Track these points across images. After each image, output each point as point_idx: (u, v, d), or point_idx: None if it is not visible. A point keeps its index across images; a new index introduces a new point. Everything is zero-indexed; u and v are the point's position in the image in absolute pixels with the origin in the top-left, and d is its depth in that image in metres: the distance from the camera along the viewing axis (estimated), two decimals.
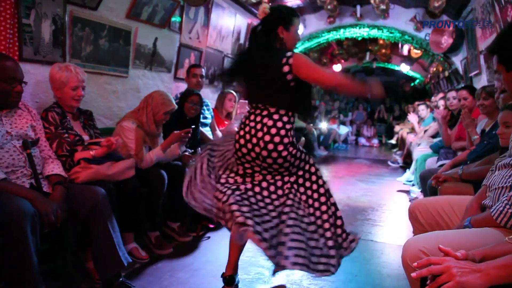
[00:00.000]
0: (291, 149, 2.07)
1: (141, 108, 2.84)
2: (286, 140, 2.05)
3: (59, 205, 1.92)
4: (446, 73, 6.46)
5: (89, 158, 2.28)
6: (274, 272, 1.94)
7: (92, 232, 2.09)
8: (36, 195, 1.85)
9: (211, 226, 3.28)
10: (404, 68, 9.12)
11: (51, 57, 2.58)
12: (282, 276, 2.48)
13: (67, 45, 2.71)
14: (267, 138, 2.02)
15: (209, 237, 3.13)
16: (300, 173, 2.15)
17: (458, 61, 5.42)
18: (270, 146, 2.01)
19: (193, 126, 2.88)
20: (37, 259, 1.71)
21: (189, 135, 2.82)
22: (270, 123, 2.05)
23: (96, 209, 2.06)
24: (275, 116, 2.06)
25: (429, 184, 2.76)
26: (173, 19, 3.74)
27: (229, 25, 4.91)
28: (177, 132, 2.78)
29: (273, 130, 2.04)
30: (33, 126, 2.13)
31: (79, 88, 2.40)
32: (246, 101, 4.00)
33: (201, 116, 3.72)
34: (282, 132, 2.05)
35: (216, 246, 2.96)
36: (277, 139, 2.03)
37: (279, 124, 2.06)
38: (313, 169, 2.18)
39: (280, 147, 2.03)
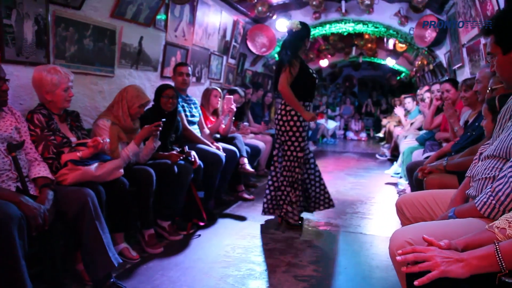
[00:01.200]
0: (280, 126, 3.21)
1: (116, 103, 2.82)
2: (284, 118, 3.19)
3: (47, 208, 1.91)
4: (431, 66, 6.54)
5: (76, 159, 2.26)
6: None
7: (81, 233, 2.07)
8: (23, 198, 1.83)
9: (202, 224, 3.29)
10: (390, 62, 9.20)
11: (34, 58, 2.54)
12: (273, 272, 2.50)
13: (51, 46, 2.67)
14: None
15: (199, 235, 3.13)
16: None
17: (442, 54, 5.49)
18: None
19: (163, 120, 2.88)
20: (25, 263, 1.69)
21: (160, 128, 2.82)
22: (278, 105, 3.37)
23: (85, 210, 2.05)
24: (283, 101, 3.22)
25: (415, 176, 2.81)
26: (158, 17, 3.72)
27: (215, 23, 4.90)
28: (147, 126, 2.77)
29: (278, 111, 3.26)
30: (18, 129, 2.10)
31: (70, 89, 2.39)
32: (231, 97, 4.17)
33: (189, 114, 3.72)
34: (283, 112, 3.20)
35: (207, 244, 2.97)
36: (278, 116, 3.23)
37: (283, 106, 3.21)
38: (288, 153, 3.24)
39: (278, 118, 3.24)
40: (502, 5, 2.90)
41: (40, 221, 1.83)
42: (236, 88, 5.05)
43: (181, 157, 3.11)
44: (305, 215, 3.65)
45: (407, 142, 5.09)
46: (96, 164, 2.33)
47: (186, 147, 3.30)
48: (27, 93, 2.55)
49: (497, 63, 1.46)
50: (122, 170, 2.51)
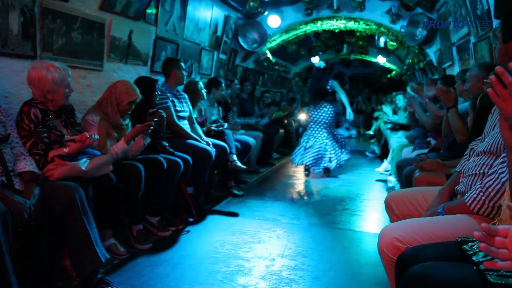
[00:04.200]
0: None
1: (104, 99, 2.76)
2: None
3: (32, 203, 1.87)
4: (421, 65, 6.59)
5: (63, 154, 2.22)
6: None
7: (68, 229, 2.04)
8: (7, 192, 1.79)
9: (191, 220, 3.27)
10: (381, 60, 9.25)
11: (20, 50, 2.48)
12: (262, 268, 2.50)
13: (38, 38, 2.61)
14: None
15: (188, 231, 3.12)
16: None
17: (432, 53, 5.54)
18: None
19: (155, 119, 2.85)
20: (10, 259, 1.66)
21: (151, 127, 2.78)
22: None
23: (72, 205, 2.02)
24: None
25: (405, 173, 2.82)
26: (148, 11, 3.67)
27: (206, 17, 4.86)
28: (139, 126, 2.72)
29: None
30: (3, 122, 2.05)
31: (69, 84, 2.36)
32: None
33: (179, 109, 3.69)
34: None
35: (195, 240, 2.95)
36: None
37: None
38: None
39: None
40: (492, 4, 2.92)
41: (26, 216, 1.80)
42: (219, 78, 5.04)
43: (152, 121, 2.85)
44: (295, 212, 3.67)
45: (397, 140, 5.12)
46: (84, 160, 2.29)
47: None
48: (13, 86, 2.49)
49: (498, 48, 1.46)
50: (111, 166, 2.47)
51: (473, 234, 0.89)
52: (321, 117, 5.20)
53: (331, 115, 5.19)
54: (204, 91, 4.24)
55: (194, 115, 4.04)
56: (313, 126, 5.28)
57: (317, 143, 5.17)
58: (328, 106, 5.17)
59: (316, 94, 5.17)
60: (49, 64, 2.28)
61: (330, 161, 5.15)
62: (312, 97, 5.33)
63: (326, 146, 5.16)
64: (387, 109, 7.01)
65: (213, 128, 4.21)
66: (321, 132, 5.22)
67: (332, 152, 5.17)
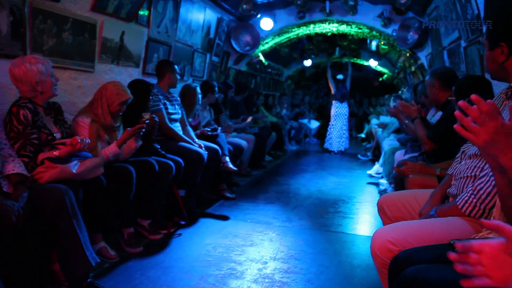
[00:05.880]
0: None
1: (95, 100, 2.72)
2: None
3: (21, 205, 1.84)
4: (413, 68, 6.65)
5: (53, 157, 2.19)
6: None
7: (57, 232, 2.01)
8: None
9: (182, 222, 3.24)
10: (373, 63, 9.30)
11: (10, 50, 2.44)
12: (255, 271, 2.49)
13: (28, 38, 2.58)
14: None
15: (180, 234, 3.09)
16: None
17: (423, 56, 5.59)
18: None
19: (147, 122, 2.83)
20: None
21: (143, 130, 2.76)
22: None
23: (61, 208, 1.99)
24: None
25: (393, 174, 2.82)
26: (140, 12, 3.64)
27: (199, 19, 4.84)
28: (130, 129, 2.69)
29: None
30: None
31: (53, 74, 2.35)
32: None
33: (171, 112, 3.67)
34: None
35: (187, 243, 2.93)
36: None
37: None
38: None
39: None
40: (482, 9, 2.95)
41: (14, 219, 1.76)
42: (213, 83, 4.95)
43: (144, 123, 2.83)
44: (287, 215, 3.66)
45: (389, 143, 5.15)
46: (75, 162, 2.26)
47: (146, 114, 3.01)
48: (2, 87, 2.45)
49: (485, 56, 1.48)
50: (102, 169, 2.44)
51: (448, 255, 0.84)
52: (344, 111, 8.00)
53: (348, 110, 8.12)
54: (200, 96, 4.24)
55: (189, 119, 4.03)
56: (338, 118, 7.98)
57: (339, 130, 7.93)
58: (346, 105, 8.04)
59: (340, 98, 8.01)
60: (29, 57, 2.26)
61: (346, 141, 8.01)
62: (337, 99, 8.04)
63: (345, 131, 8.00)
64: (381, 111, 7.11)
65: (207, 131, 4.19)
66: (343, 121, 7.98)
67: (346, 135, 7.99)
